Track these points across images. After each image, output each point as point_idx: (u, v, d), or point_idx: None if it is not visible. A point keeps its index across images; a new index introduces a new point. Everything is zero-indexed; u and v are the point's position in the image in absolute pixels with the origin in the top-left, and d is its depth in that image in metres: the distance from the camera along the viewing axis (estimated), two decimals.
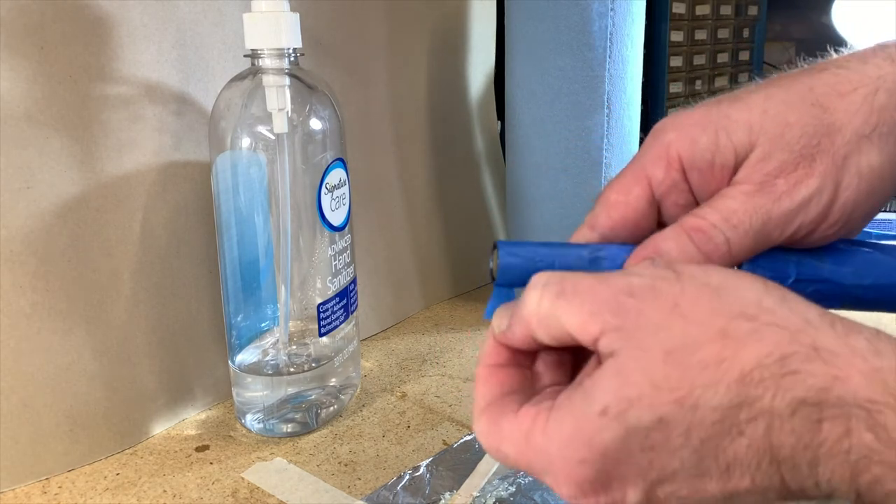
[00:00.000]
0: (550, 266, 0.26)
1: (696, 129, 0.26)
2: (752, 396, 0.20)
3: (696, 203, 0.27)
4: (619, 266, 0.27)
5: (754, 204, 0.25)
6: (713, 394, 0.20)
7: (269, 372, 0.49)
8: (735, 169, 0.26)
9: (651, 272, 0.23)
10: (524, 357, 0.26)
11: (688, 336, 0.21)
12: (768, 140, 0.25)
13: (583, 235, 0.28)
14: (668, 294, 0.22)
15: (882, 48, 0.26)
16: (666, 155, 0.27)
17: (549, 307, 0.23)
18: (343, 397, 0.52)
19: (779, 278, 0.26)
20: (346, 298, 0.50)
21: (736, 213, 0.25)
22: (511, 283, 0.27)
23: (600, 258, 0.27)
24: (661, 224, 0.28)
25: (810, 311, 0.21)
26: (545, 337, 0.24)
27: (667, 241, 0.26)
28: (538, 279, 0.24)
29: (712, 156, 0.26)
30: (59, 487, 0.43)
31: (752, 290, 0.22)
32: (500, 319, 0.26)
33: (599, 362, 0.22)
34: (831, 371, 0.20)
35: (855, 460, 0.19)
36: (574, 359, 0.27)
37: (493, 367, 0.26)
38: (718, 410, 0.20)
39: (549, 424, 0.22)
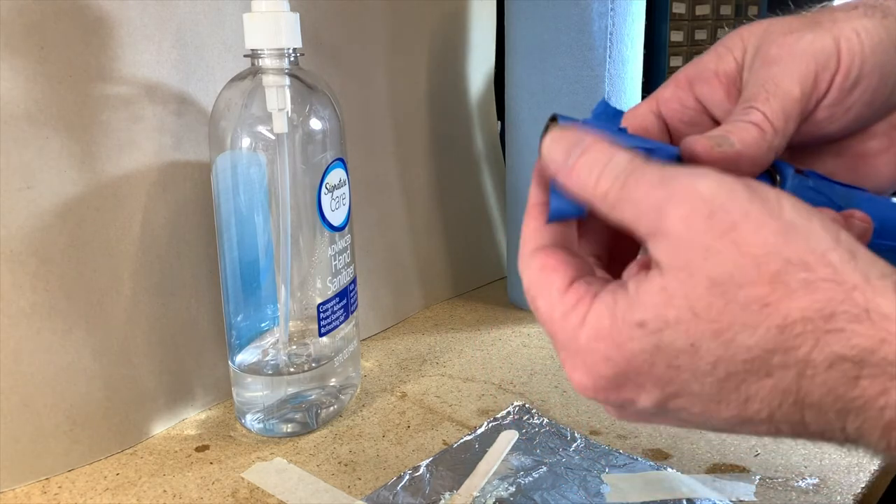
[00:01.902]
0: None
1: (698, 57, 0.29)
2: (789, 346, 0.20)
3: (712, 122, 0.29)
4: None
5: (763, 78, 0.26)
6: (750, 334, 0.20)
7: (269, 372, 0.49)
8: (739, 75, 0.28)
9: (718, 180, 0.21)
10: None
11: (738, 268, 0.20)
12: (758, 36, 0.28)
13: None
14: (729, 212, 0.21)
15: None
16: (674, 79, 0.29)
17: (618, 191, 0.22)
18: (343, 397, 0.52)
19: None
20: (346, 298, 0.50)
21: (753, 93, 0.26)
22: None
23: (652, 151, 0.26)
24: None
25: (876, 269, 0.20)
26: (599, 205, 0.23)
27: (718, 129, 0.26)
28: (611, 156, 0.23)
29: (714, 65, 0.28)
30: (59, 487, 0.43)
31: (822, 240, 0.21)
32: (555, 154, 0.24)
33: (647, 265, 0.22)
34: (879, 334, 0.19)
35: (890, 418, 0.20)
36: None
37: (545, 205, 0.25)
38: (752, 350, 0.20)
39: (590, 313, 0.22)
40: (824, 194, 0.26)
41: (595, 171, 0.23)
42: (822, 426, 0.21)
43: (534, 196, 0.26)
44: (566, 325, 0.23)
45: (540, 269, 0.24)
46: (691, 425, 0.23)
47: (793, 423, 0.21)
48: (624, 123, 0.27)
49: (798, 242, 0.20)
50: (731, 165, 0.25)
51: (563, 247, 0.25)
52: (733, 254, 0.20)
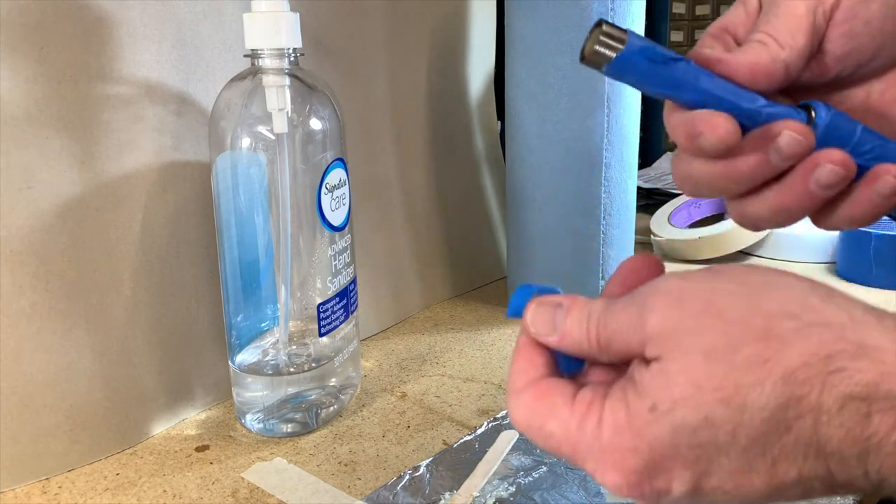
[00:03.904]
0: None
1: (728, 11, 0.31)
2: (798, 394, 0.20)
3: None
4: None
5: (781, 6, 0.27)
6: (759, 393, 0.20)
7: (269, 372, 0.49)
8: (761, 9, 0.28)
9: (677, 276, 0.24)
10: None
11: (727, 335, 0.21)
12: None
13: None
14: (697, 293, 0.22)
15: None
16: (709, 33, 0.30)
17: (603, 330, 0.24)
18: (343, 397, 0.52)
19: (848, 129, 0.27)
20: (346, 298, 0.50)
21: (766, 11, 0.27)
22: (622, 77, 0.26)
23: (764, 113, 0.26)
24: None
25: (856, 307, 0.21)
26: (596, 353, 0.25)
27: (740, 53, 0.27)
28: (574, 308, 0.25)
29: (744, 12, 0.29)
30: (59, 487, 0.43)
31: (797, 289, 0.22)
32: (541, 326, 0.26)
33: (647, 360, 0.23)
34: (879, 367, 0.20)
35: None
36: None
37: (535, 343, 0.26)
38: (765, 409, 0.20)
39: (605, 411, 0.23)
40: (860, 129, 0.27)
41: (581, 327, 0.24)
42: (847, 475, 0.21)
43: (520, 339, 0.26)
44: (585, 433, 0.23)
45: (536, 398, 0.24)
46: None
47: (821, 477, 0.21)
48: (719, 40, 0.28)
49: (775, 296, 0.21)
50: (748, 79, 0.26)
51: (551, 375, 0.25)
52: (718, 324, 0.21)
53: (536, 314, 0.26)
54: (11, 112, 0.41)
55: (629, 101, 0.65)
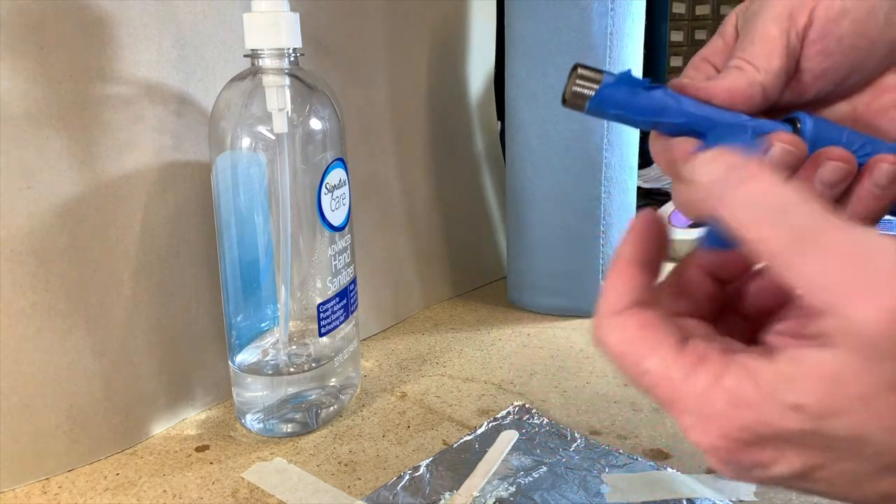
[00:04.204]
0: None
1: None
2: None
3: None
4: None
5: (748, 25, 0.28)
6: None
7: (269, 372, 0.49)
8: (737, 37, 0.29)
9: None
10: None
11: None
12: (746, 3, 0.29)
13: None
14: None
15: None
16: (691, 63, 0.30)
17: (791, 245, 0.19)
18: (343, 397, 0.52)
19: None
20: (346, 298, 0.50)
21: (741, 37, 0.28)
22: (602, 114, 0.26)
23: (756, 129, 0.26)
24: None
25: None
26: (762, 253, 0.20)
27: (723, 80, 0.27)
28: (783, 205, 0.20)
29: (722, 40, 0.30)
30: (59, 487, 0.43)
31: None
32: (720, 177, 0.21)
33: (803, 335, 0.20)
34: None
35: None
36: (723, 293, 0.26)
37: (638, 263, 0.23)
38: None
39: (726, 376, 0.20)
40: (846, 132, 0.27)
41: (757, 209, 0.20)
42: None
43: (625, 251, 0.24)
44: (692, 388, 0.21)
45: (640, 327, 0.22)
46: (824, 495, 0.21)
47: None
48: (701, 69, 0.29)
49: None
50: (726, 103, 0.26)
51: (654, 304, 0.23)
52: None
53: (709, 161, 0.21)
54: (11, 112, 0.41)
55: None
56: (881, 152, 0.27)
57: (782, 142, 0.25)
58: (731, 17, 0.30)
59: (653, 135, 0.28)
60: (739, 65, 0.27)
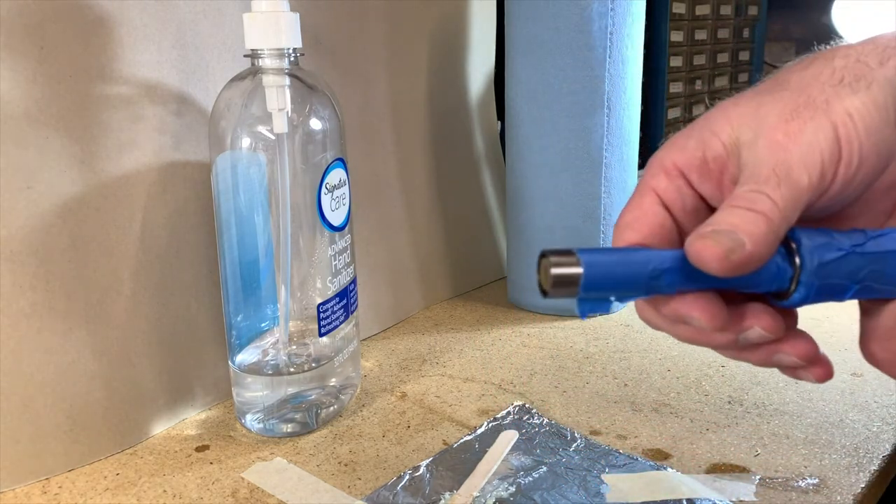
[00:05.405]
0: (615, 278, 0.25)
1: (681, 139, 0.29)
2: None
3: (709, 208, 0.29)
4: (675, 270, 0.25)
5: (771, 162, 0.26)
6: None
7: (269, 372, 0.49)
8: (728, 161, 0.27)
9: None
10: None
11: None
12: (747, 122, 0.27)
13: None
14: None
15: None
16: (662, 166, 0.29)
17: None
18: (343, 397, 0.52)
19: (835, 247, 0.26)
20: (346, 298, 0.50)
21: (760, 175, 0.26)
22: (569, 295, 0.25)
23: (659, 272, 0.25)
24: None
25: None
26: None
27: (724, 217, 0.25)
28: None
29: (702, 152, 0.28)
30: (59, 487, 0.43)
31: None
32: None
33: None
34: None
35: None
36: None
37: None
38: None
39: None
40: (841, 241, 0.26)
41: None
42: None
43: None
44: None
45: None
46: None
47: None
48: (637, 225, 0.27)
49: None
50: (740, 270, 0.24)
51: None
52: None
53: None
54: (11, 112, 0.41)
55: (629, 101, 0.65)
56: (871, 240, 0.26)
57: (761, 328, 0.27)
58: (723, 126, 0.28)
59: (640, 304, 0.28)
60: (767, 211, 0.25)
